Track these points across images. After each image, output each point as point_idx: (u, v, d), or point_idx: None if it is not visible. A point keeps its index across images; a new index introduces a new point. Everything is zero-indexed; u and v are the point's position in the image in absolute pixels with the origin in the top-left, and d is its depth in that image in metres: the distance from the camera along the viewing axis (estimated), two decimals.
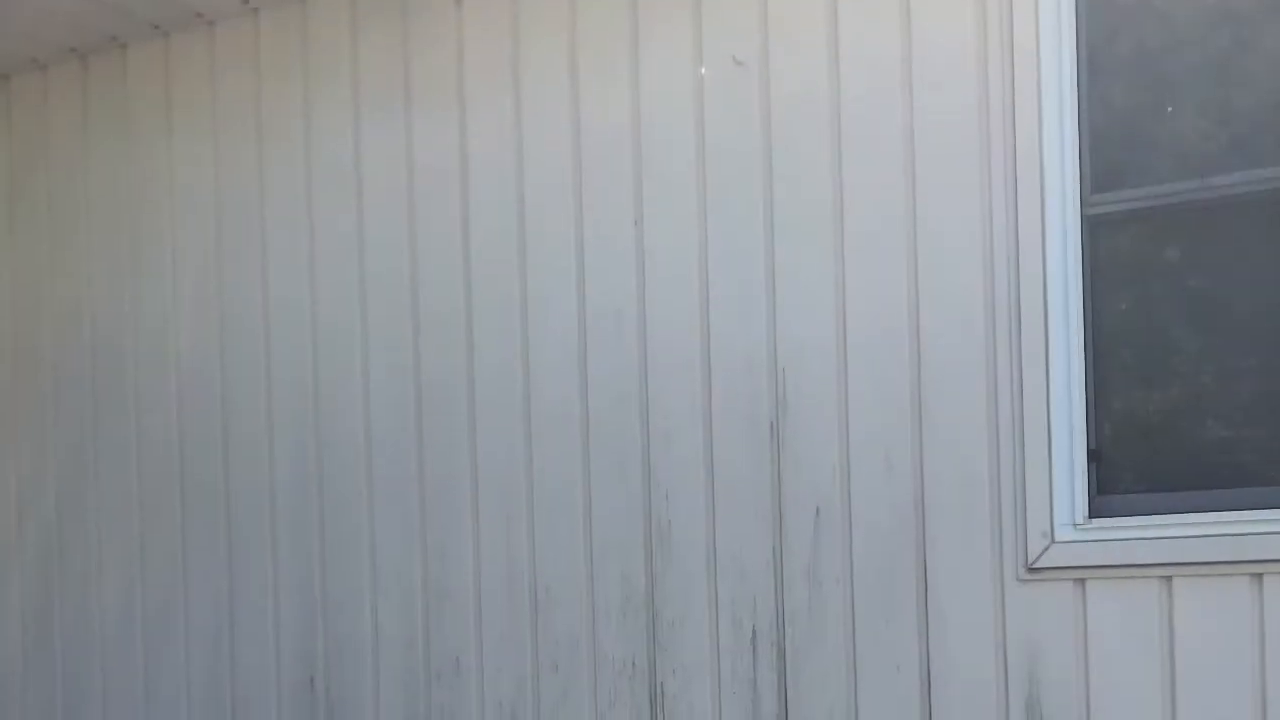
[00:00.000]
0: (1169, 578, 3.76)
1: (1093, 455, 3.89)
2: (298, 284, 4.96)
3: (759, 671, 4.23)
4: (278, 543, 4.97)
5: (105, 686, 5.29)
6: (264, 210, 5.04)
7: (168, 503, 5.17)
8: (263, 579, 4.99)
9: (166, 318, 5.20)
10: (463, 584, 4.65)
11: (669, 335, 4.36)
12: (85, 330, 5.35)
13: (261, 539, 4.99)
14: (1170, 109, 3.92)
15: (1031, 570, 3.87)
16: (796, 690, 4.19)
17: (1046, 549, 3.86)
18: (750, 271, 4.26)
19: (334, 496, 4.87)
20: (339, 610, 4.85)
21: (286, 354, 4.97)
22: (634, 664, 4.39)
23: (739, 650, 4.26)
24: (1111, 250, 3.93)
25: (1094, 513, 3.88)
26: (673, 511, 4.34)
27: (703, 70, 4.34)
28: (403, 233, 4.78)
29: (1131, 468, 3.89)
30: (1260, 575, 3.67)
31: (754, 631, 4.24)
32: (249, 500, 5.02)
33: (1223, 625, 3.72)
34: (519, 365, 4.57)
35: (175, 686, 5.15)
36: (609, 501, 4.43)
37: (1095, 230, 3.92)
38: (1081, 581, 3.84)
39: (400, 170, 4.80)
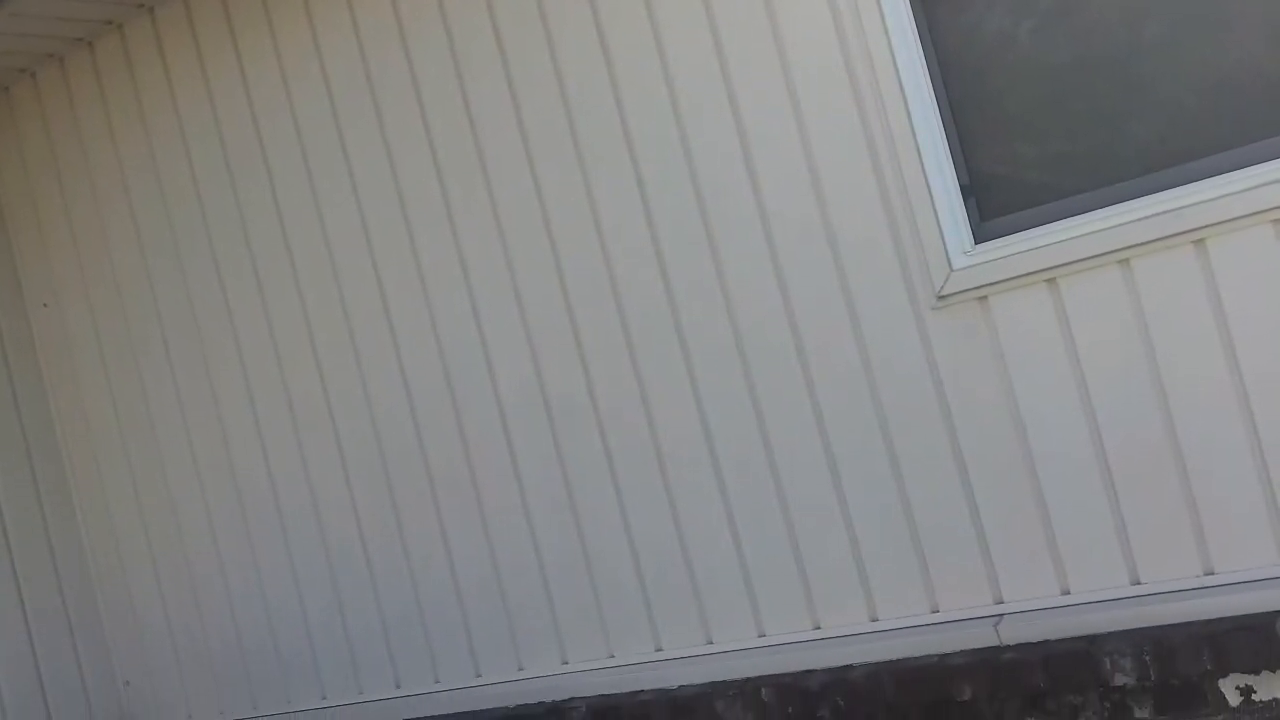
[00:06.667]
0: (1053, 280, 4.34)
1: (967, 190, 4.49)
2: None
3: None
4: None
5: None
6: None
7: None
8: None
9: None
10: None
11: None
12: None
13: None
14: None
15: (941, 298, 4.50)
16: None
17: (948, 277, 4.48)
18: None
19: None
20: None
21: None
22: None
23: None
24: (949, 15, 4.46)
25: (979, 238, 4.48)
26: None
27: None
28: None
29: (1001, 194, 4.48)
30: (1127, 260, 4.23)
31: None
32: None
33: (1105, 312, 4.29)
34: None
35: None
36: None
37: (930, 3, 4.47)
38: (984, 299, 4.45)
39: None
